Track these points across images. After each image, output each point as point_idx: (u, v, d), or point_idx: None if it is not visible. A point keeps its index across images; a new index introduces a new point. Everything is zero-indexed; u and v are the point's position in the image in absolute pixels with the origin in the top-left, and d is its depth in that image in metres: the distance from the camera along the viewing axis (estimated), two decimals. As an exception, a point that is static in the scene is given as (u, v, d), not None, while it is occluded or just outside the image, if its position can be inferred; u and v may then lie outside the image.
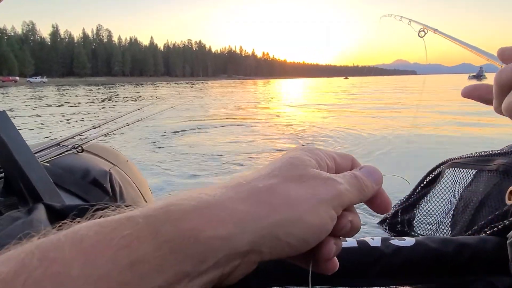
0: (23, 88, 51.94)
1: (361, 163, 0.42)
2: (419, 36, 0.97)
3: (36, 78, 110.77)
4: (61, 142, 1.50)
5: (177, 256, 0.27)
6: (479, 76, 65.74)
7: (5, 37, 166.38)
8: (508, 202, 0.54)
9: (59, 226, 0.28)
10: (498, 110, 0.47)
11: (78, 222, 0.28)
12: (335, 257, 0.39)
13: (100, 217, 0.28)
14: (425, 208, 1.74)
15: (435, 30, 0.92)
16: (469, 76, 69.78)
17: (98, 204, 0.31)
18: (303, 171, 0.35)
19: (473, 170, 1.48)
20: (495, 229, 1.03)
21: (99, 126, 1.63)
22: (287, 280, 0.96)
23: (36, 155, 1.28)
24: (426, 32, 0.96)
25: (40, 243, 0.25)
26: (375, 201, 0.40)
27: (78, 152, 1.45)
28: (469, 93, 0.52)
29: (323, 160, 0.39)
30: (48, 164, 1.31)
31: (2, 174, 1.17)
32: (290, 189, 0.33)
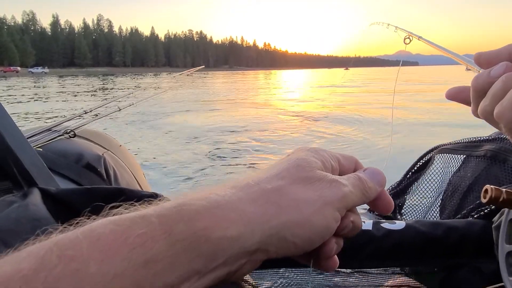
0: (26, 79, 51.64)
1: (363, 166, 0.43)
2: (404, 43, 0.98)
3: (38, 68, 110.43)
4: (52, 127, 1.50)
5: (190, 255, 0.28)
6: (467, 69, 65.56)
7: (5, 27, 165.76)
8: (483, 200, 0.54)
9: (76, 223, 0.28)
10: (476, 114, 0.49)
11: (94, 219, 0.28)
12: (336, 256, 0.40)
13: (114, 214, 0.29)
14: (415, 193, 1.75)
15: (419, 37, 0.94)
16: (466, 68, 70.07)
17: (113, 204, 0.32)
18: (310, 173, 0.36)
19: (462, 155, 1.49)
20: (482, 213, 1.04)
21: (90, 111, 1.63)
22: (277, 262, 0.98)
23: (28, 140, 1.28)
24: (411, 39, 0.98)
25: (58, 240, 0.25)
26: (377, 203, 0.41)
27: (71, 137, 1.45)
28: (453, 96, 0.53)
29: (328, 161, 0.39)
30: (41, 149, 1.31)
31: (-5, 159, 1.17)
32: (297, 191, 0.34)
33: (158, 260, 0.26)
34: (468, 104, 0.51)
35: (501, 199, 0.52)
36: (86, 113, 1.61)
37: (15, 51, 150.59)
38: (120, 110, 1.70)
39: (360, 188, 0.38)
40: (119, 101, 1.75)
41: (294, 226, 0.33)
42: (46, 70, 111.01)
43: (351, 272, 1.14)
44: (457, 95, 0.53)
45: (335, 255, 0.40)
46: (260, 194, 0.33)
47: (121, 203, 0.32)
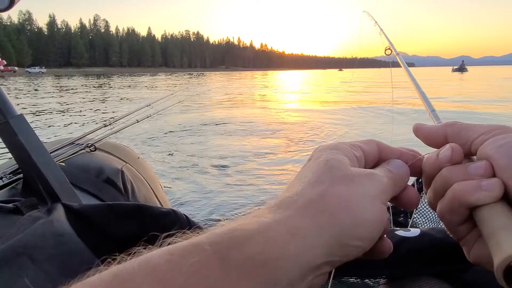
0: (23, 79, 51.37)
1: (387, 143, 0.42)
2: (385, 53, 0.98)
3: (35, 68, 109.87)
4: (75, 141, 1.52)
5: (247, 282, 0.27)
6: (461, 69, 66.15)
7: (1, 26, 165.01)
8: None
9: (134, 253, 0.29)
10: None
11: (150, 249, 0.29)
12: (387, 239, 0.40)
13: (169, 244, 0.29)
14: (427, 198, 1.75)
15: (397, 54, 0.94)
16: (452, 69, 69.79)
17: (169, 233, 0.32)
18: (346, 171, 0.35)
19: None
20: None
21: (110, 124, 1.66)
22: None
23: (52, 154, 1.30)
24: (391, 51, 0.97)
25: (117, 273, 0.26)
26: (403, 196, 0.40)
27: (92, 150, 1.47)
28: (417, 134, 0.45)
29: (351, 153, 0.39)
30: (63, 164, 1.33)
31: (21, 175, 1.19)
32: (341, 192, 0.33)
33: None
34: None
35: None
36: (106, 126, 1.64)
37: (11, 50, 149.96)
38: (138, 121, 1.73)
39: (392, 179, 0.37)
40: (137, 114, 1.79)
41: (351, 229, 0.32)
42: (43, 70, 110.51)
43: (363, 282, 1.15)
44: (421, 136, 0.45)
45: (387, 239, 0.40)
46: (307, 206, 0.32)
47: (175, 231, 0.32)
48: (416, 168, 0.42)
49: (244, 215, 0.32)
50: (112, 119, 1.72)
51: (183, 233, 0.31)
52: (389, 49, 0.94)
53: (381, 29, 1.06)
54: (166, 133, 7.35)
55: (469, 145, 0.39)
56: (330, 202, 0.33)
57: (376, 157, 0.41)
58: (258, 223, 0.30)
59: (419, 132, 0.43)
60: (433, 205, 0.41)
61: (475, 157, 0.39)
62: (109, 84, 32.07)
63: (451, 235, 0.42)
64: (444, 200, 0.38)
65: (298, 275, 0.29)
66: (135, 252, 0.29)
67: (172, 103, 2.03)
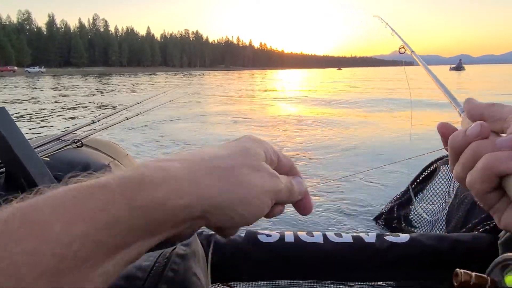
0: (25, 78, 51.27)
1: (299, 171, 0.49)
2: (399, 52, 1.00)
3: (34, 68, 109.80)
4: (61, 136, 1.50)
5: (147, 219, 0.31)
6: (459, 67, 66.86)
7: (0, 26, 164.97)
8: (455, 284, 0.56)
9: (36, 191, 0.30)
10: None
11: (54, 188, 0.30)
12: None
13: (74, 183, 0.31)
14: (420, 204, 1.75)
15: (412, 51, 0.95)
16: (450, 68, 70.29)
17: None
18: (256, 162, 0.41)
19: None
20: (487, 227, 1.04)
21: (98, 121, 1.64)
22: (279, 273, 0.98)
23: (36, 150, 1.28)
24: (405, 50, 0.99)
25: (21, 206, 0.27)
26: (298, 205, 0.47)
27: (78, 146, 1.46)
28: (442, 132, 0.49)
29: (269, 154, 0.44)
30: (48, 159, 1.32)
31: (3, 169, 1.17)
32: (245, 174, 0.39)
33: (118, 223, 0.29)
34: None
35: (471, 283, 0.54)
36: (94, 122, 1.62)
37: (11, 50, 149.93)
38: (128, 119, 1.72)
39: (290, 190, 0.44)
40: (127, 111, 1.77)
41: (238, 204, 0.37)
42: (43, 69, 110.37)
43: (354, 286, 1.14)
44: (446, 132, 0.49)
45: None
46: (214, 170, 0.37)
47: (80, 172, 0.34)
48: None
49: (155, 160, 0.36)
50: (100, 115, 1.70)
51: (89, 173, 0.33)
52: (403, 47, 0.96)
53: (393, 30, 1.09)
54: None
55: (502, 123, 0.44)
56: (233, 176, 0.38)
57: (287, 171, 0.47)
58: (167, 171, 0.35)
59: (467, 103, 0.49)
60: (461, 178, 0.44)
61: (503, 134, 0.43)
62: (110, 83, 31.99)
63: (480, 204, 0.44)
64: (473, 171, 0.42)
65: (181, 221, 0.34)
66: (37, 191, 0.30)
67: (164, 101, 2.01)
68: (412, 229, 1.78)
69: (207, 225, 0.38)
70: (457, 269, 0.54)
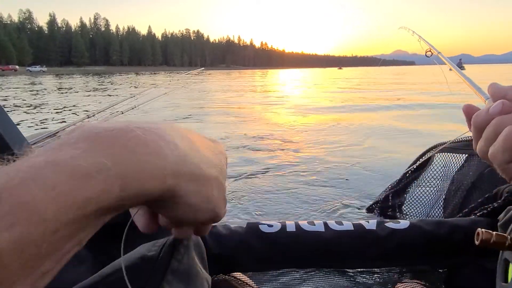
0: (26, 77, 51.21)
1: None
2: (426, 55, 1.04)
3: (36, 67, 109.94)
4: (56, 132, 1.51)
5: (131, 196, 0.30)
6: (459, 67, 66.53)
7: (1, 25, 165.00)
8: (476, 242, 0.57)
9: (15, 158, 0.28)
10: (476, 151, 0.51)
11: (38, 156, 0.28)
12: None
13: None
14: (415, 192, 1.77)
15: (438, 53, 0.98)
16: (449, 68, 70.87)
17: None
18: (223, 181, 0.43)
19: (464, 154, 1.51)
20: (485, 211, 1.05)
21: (93, 115, 1.64)
22: (281, 263, 0.99)
23: (33, 146, 1.29)
24: (432, 53, 1.02)
25: (7, 185, 0.24)
26: (199, 229, 0.46)
27: (74, 141, 1.46)
28: (467, 113, 0.52)
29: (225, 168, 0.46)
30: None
31: (-1, 166, 1.18)
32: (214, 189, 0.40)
33: (109, 209, 0.29)
34: None
35: (491, 241, 0.55)
36: (89, 117, 1.62)
37: (12, 49, 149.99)
38: (123, 113, 1.71)
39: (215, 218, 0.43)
40: (123, 105, 1.77)
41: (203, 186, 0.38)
42: (44, 68, 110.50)
43: (356, 272, 1.15)
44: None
45: None
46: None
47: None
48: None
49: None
50: (95, 110, 1.70)
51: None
52: (429, 50, 1.02)
53: (420, 36, 1.17)
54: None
55: None
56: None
57: None
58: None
59: (491, 87, 0.51)
60: (483, 152, 0.47)
61: None
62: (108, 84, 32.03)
63: (502, 175, 0.46)
64: (496, 143, 0.44)
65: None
66: (17, 156, 0.28)
67: (157, 94, 2.00)
68: (407, 217, 1.79)
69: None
70: (479, 229, 0.56)
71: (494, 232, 0.56)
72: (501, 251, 0.66)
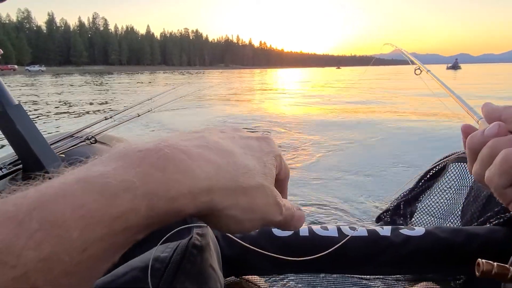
0: (25, 77, 51.26)
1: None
2: (415, 73, 1.03)
3: (35, 66, 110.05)
4: (74, 133, 1.51)
5: (161, 217, 0.29)
6: (455, 66, 67.80)
7: (0, 25, 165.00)
8: (477, 274, 0.56)
9: (46, 177, 0.28)
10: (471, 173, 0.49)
11: (69, 175, 0.28)
12: None
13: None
14: (427, 202, 1.75)
15: (427, 71, 0.98)
16: (447, 67, 71.56)
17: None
18: (271, 183, 0.39)
19: None
20: (501, 220, 1.04)
21: (111, 117, 1.64)
22: (293, 267, 0.98)
23: (52, 146, 1.29)
24: (421, 71, 1.02)
25: (37, 201, 0.24)
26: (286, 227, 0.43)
27: (92, 143, 1.46)
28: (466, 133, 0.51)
29: (278, 162, 0.42)
30: (63, 155, 1.32)
31: (21, 166, 1.18)
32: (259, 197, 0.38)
33: (137, 226, 0.28)
34: None
35: (492, 273, 0.54)
36: (106, 119, 1.62)
37: (11, 49, 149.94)
38: (139, 115, 1.72)
39: (285, 223, 0.42)
40: (139, 108, 1.78)
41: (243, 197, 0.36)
42: (43, 68, 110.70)
43: (369, 278, 1.14)
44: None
45: None
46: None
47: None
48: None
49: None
50: (112, 112, 1.71)
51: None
52: (418, 68, 1.02)
53: (407, 53, 1.24)
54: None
55: None
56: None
57: (281, 179, 0.44)
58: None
59: (485, 107, 0.50)
60: (479, 176, 0.46)
61: None
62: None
63: (499, 200, 0.45)
64: (492, 167, 0.43)
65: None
66: (48, 175, 0.28)
67: (174, 97, 2.01)
68: (420, 225, 1.78)
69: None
70: (479, 259, 0.54)
71: (495, 263, 0.54)
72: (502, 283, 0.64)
